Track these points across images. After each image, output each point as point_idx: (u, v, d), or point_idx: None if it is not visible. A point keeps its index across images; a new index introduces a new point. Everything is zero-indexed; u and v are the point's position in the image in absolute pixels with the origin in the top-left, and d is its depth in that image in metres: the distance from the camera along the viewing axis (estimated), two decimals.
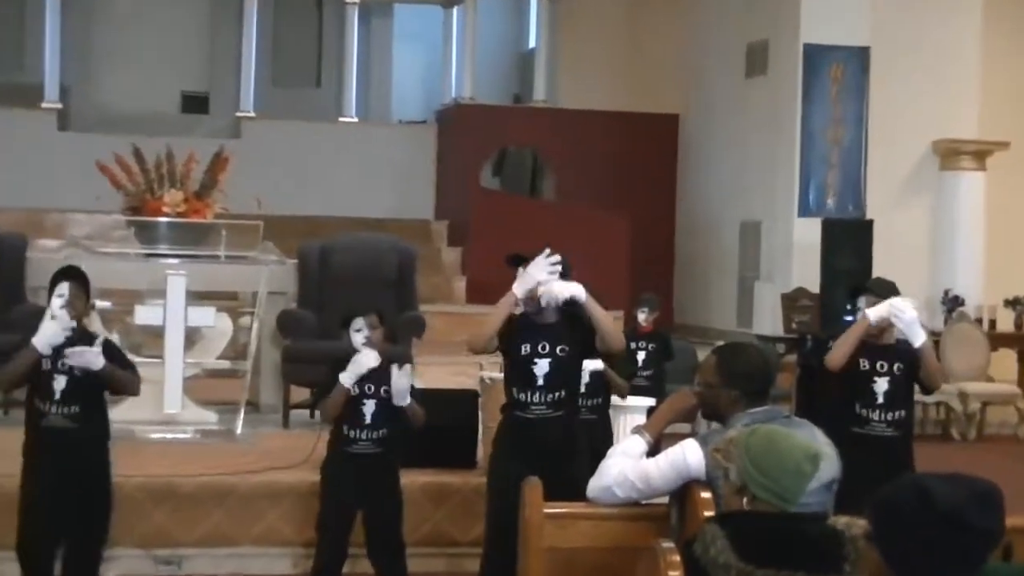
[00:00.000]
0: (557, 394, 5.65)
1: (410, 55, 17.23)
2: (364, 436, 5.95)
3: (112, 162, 8.91)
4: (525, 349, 5.67)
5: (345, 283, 9.19)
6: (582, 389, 6.08)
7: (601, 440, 6.34)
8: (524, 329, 5.72)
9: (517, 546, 4.80)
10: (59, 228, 12.97)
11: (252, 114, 15.03)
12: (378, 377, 5.92)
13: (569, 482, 5.06)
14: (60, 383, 5.70)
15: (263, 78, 15.79)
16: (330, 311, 9.08)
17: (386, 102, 16.96)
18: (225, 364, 8.76)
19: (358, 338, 5.99)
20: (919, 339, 6.12)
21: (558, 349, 5.67)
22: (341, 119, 15.48)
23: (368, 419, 5.94)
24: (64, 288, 5.78)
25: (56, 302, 5.72)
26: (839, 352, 6.19)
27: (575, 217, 14.10)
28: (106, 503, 5.96)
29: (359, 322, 6.02)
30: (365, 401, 5.93)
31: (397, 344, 7.26)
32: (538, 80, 15.32)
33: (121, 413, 8.23)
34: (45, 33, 14.59)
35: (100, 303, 8.27)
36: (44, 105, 14.48)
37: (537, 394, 5.64)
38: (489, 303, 10.05)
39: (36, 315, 8.60)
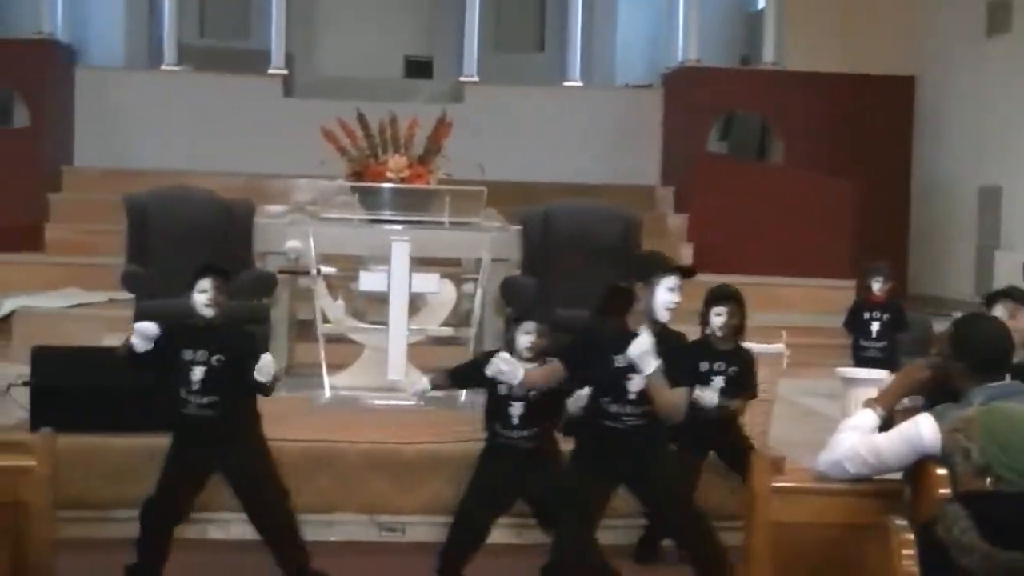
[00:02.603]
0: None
1: (635, 17, 17.01)
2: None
3: (336, 127, 8.90)
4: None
5: (568, 249, 9.05)
6: None
7: None
8: None
9: None
10: (283, 194, 13.10)
11: (475, 79, 14.97)
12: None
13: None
14: (197, 373, 5.76)
15: (486, 43, 15.72)
16: (553, 278, 8.95)
17: (610, 65, 16.77)
18: (448, 331, 8.69)
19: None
20: None
21: None
22: (565, 83, 15.33)
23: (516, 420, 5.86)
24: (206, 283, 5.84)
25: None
26: None
27: (801, 182, 13.76)
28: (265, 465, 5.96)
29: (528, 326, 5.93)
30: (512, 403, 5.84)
31: None
32: (766, 41, 14.96)
33: (344, 380, 8.27)
34: (271, 1, 14.73)
35: (325, 269, 8.28)
36: (270, 71, 14.63)
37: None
38: (715, 271, 9.83)
39: (264, 280, 8.72)
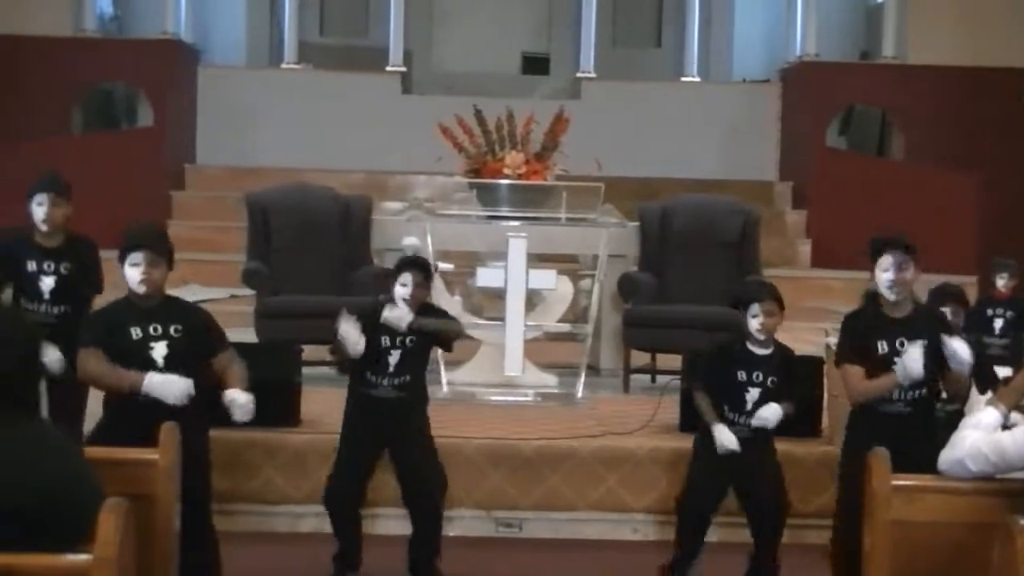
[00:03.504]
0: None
1: (752, 12, 16.86)
2: None
3: (453, 125, 8.94)
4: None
5: (686, 245, 9.00)
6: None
7: None
8: None
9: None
10: (401, 190, 13.19)
11: (592, 75, 14.94)
12: None
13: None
14: (395, 357, 5.87)
15: (603, 39, 15.68)
16: (671, 274, 8.91)
17: (727, 61, 16.66)
18: (565, 327, 8.69)
19: None
20: None
21: None
22: (682, 79, 15.25)
23: None
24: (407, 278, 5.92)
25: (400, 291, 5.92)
26: None
27: (921, 177, 13.57)
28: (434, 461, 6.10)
29: None
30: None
31: None
32: (886, 35, 14.75)
33: (462, 376, 8.30)
34: None
35: (442, 265, 8.32)
36: (388, 69, 14.72)
37: None
38: (833, 266, 9.72)
39: (379, 278, 8.77)
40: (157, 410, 5.06)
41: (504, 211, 8.67)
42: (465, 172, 8.95)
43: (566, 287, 8.70)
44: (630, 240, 9.04)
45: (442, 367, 8.14)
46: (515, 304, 8.04)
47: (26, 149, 12.67)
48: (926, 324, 5.54)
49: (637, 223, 9.16)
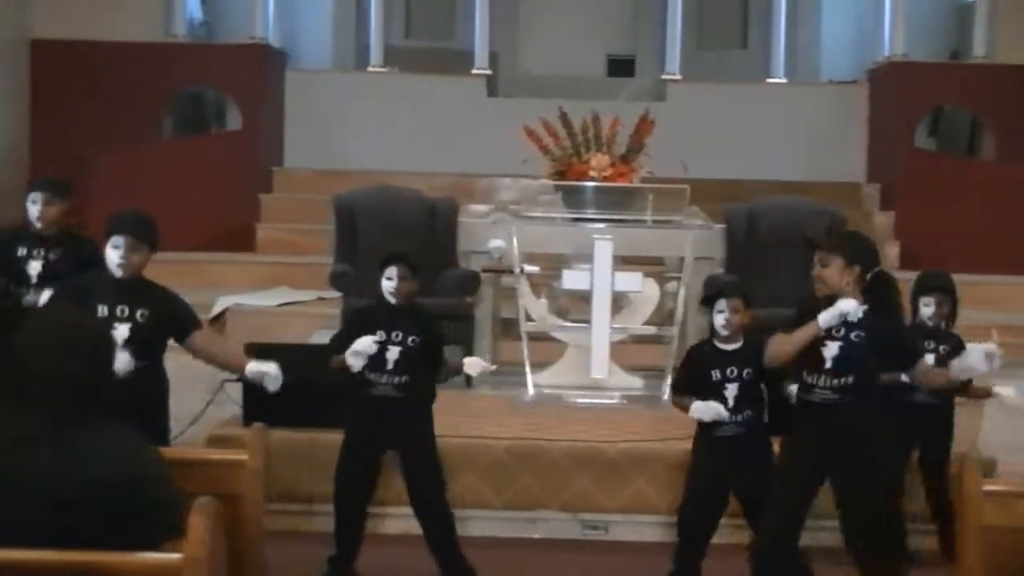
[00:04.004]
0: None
1: (840, 13, 16.71)
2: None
3: (539, 127, 8.95)
4: None
5: (772, 247, 8.95)
6: None
7: None
8: None
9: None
10: (487, 193, 13.20)
11: (677, 76, 14.89)
12: None
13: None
14: (393, 354, 5.94)
15: (689, 40, 15.62)
16: (757, 276, 8.86)
17: (814, 62, 16.52)
18: (651, 330, 8.67)
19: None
20: None
21: None
22: (768, 80, 15.15)
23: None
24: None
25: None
26: None
27: (1011, 178, 13.38)
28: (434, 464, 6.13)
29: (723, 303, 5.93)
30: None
31: None
32: (976, 34, 14.58)
33: (548, 378, 8.31)
34: (475, 1, 14.85)
35: (528, 268, 8.33)
36: (474, 71, 14.75)
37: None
38: (922, 268, 9.62)
39: (467, 279, 8.81)
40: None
41: (590, 213, 8.68)
42: (550, 174, 8.96)
43: (652, 289, 8.68)
44: (716, 242, 9.00)
45: (528, 369, 8.15)
46: (601, 307, 8.04)
47: (118, 154, 12.84)
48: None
49: (723, 225, 9.13)
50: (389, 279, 6.02)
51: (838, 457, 5.45)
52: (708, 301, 6.01)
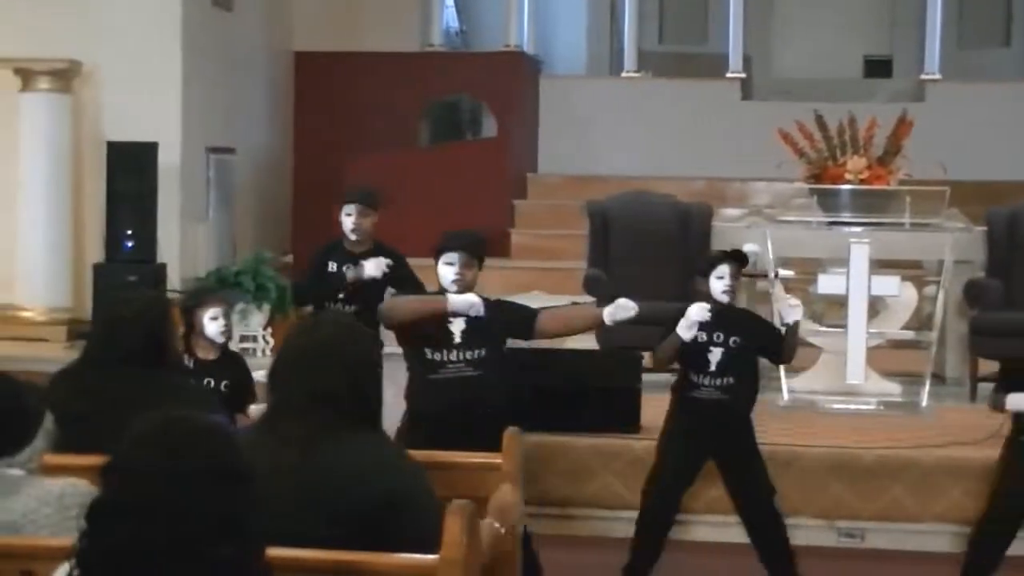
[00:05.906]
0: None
1: None
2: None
3: (793, 130, 8.88)
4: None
5: None
6: None
7: None
8: None
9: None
10: (740, 197, 13.12)
11: (936, 76, 14.56)
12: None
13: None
14: (716, 355, 5.90)
15: (949, 39, 15.27)
16: (1020, 280, 8.65)
17: None
18: (909, 335, 8.52)
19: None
20: None
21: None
22: None
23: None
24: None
25: None
26: None
27: None
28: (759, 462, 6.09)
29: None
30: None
31: None
32: None
33: (803, 383, 8.25)
34: (729, 4, 14.79)
35: (782, 272, 8.28)
36: (728, 75, 14.68)
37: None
38: None
39: None
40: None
41: (846, 217, 8.58)
42: (806, 178, 8.89)
43: (910, 294, 8.53)
44: (976, 245, 8.81)
45: (783, 374, 8.10)
46: (858, 311, 7.94)
47: (375, 162, 13.15)
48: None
49: (984, 227, 8.92)
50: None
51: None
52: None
